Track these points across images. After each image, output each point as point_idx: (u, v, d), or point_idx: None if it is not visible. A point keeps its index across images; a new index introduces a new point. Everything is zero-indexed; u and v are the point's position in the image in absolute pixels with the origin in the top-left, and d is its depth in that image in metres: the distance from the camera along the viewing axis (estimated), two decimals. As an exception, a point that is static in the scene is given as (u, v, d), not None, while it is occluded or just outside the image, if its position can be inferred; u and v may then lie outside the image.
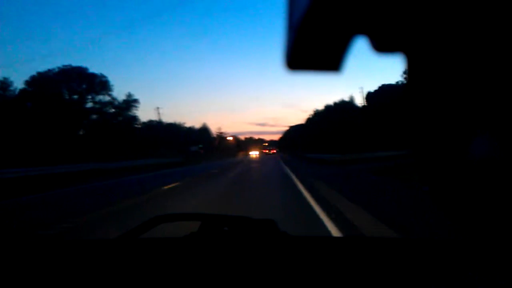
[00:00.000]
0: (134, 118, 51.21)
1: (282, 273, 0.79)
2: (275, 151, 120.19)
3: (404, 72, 0.34)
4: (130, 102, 51.50)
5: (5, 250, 1.05)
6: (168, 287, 0.78)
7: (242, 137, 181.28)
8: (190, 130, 75.96)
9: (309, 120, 69.87)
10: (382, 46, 0.32)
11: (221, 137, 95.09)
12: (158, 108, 57.43)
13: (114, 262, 0.90)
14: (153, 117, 61.67)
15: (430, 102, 0.35)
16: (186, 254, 0.93)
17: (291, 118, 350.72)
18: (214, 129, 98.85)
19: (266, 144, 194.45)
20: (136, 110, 51.32)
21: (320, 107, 67.67)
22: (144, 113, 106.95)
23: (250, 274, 0.79)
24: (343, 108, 47.32)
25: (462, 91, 0.32)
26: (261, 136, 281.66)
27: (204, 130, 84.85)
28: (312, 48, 0.33)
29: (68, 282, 0.80)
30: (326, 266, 0.83)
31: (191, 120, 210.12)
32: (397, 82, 38.80)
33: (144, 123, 54.41)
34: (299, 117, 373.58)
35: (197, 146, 65.15)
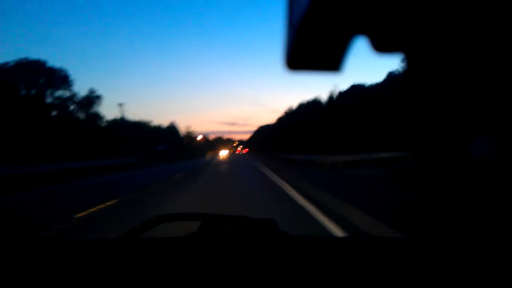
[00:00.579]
0: (97, 115, 46.31)
1: (282, 273, 0.79)
2: (247, 150, 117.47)
3: (403, 72, 0.34)
4: (93, 99, 46.59)
5: (5, 250, 1.02)
6: (168, 287, 0.77)
7: (212, 137, 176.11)
8: (157, 128, 70.97)
9: (280, 119, 65.98)
10: (382, 46, 0.32)
11: (190, 136, 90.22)
12: (121, 104, 51.57)
13: (114, 262, 0.89)
14: (120, 115, 56.82)
15: (430, 102, 0.34)
16: (186, 254, 0.93)
17: (260, 117, 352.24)
18: (183, 127, 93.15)
19: (236, 143, 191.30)
20: (99, 106, 46.29)
21: (290, 106, 63.81)
22: (112, 112, 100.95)
23: (250, 274, 0.79)
24: (321, 106, 43.14)
25: (461, 91, 0.31)
26: (231, 136, 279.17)
27: (172, 128, 79.94)
28: (312, 48, 0.32)
29: (68, 282, 0.79)
30: (326, 265, 0.84)
31: (160, 119, 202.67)
32: (396, 73, 35.44)
33: (109, 121, 49.43)
34: (269, 117, 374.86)
35: (164, 145, 59.55)
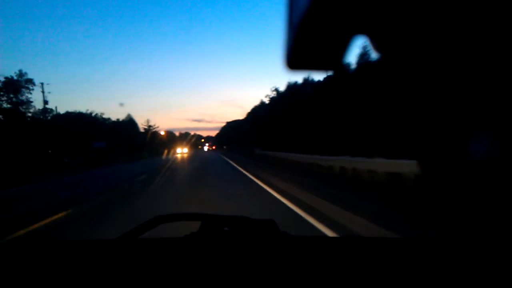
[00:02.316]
0: (23, 104, 34.90)
1: (282, 273, 0.81)
2: (214, 147, 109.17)
3: (403, 72, 0.33)
4: (21, 83, 34.69)
5: (5, 251, 1.02)
6: (169, 287, 0.79)
7: (179, 133, 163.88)
8: (107, 122, 59.19)
9: (253, 111, 55.28)
10: (382, 46, 0.32)
11: (150, 131, 78.40)
12: (42, 84, 36.80)
13: (114, 262, 0.90)
14: (76, 109, 44.62)
15: (430, 103, 0.34)
16: (187, 254, 0.95)
17: (227, 114, 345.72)
18: (143, 122, 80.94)
19: (203, 140, 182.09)
20: (30, 93, 36.80)
21: (257, 102, 51.63)
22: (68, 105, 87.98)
23: (251, 273, 0.81)
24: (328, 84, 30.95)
25: (461, 92, 0.31)
26: (198, 132, 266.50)
27: (129, 122, 68.05)
28: (312, 48, 0.32)
29: (68, 282, 0.79)
30: (325, 265, 0.86)
31: (121, 115, 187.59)
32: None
33: (59, 114, 37.87)
34: (235, 113, 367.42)
35: (102, 142, 45.88)
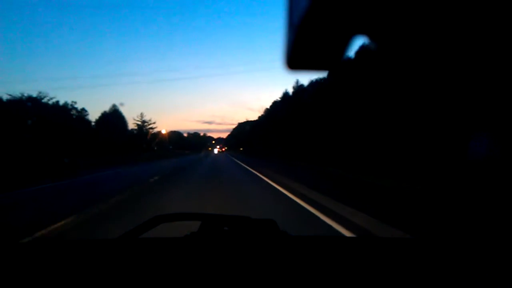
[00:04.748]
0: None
1: (282, 273, 0.81)
2: (224, 149, 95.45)
3: (404, 71, 0.28)
4: None
5: (5, 251, 1.02)
6: (169, 287, 0.79)
7: (185, 134, 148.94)
8: (71, 113, 42.87)
9: (273, 105, 39.25)
10: (382, 46, 0.32)
11: (143, 127, 62.06)
12: None
13: (114, 262, 0.91)
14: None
15: (430, 103, 0.32)
16: (187, 254, 0.95)
17: (237, 116, 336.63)
18: (134, 116, 64.36)
19: (214, 142, 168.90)
20: None
21: (267, 105, 36.72)
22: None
23: (251, 273, 0.81)
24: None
25: (462, 92, 0.31)
26: (209, 134, 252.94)
27: (113, 116, 51.80)
28: (312, 48, 0.32)
29: (68, 282, 0.80)
30: (325, 265, 0.86)
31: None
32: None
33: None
34: (247, 115, 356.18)
35: None
